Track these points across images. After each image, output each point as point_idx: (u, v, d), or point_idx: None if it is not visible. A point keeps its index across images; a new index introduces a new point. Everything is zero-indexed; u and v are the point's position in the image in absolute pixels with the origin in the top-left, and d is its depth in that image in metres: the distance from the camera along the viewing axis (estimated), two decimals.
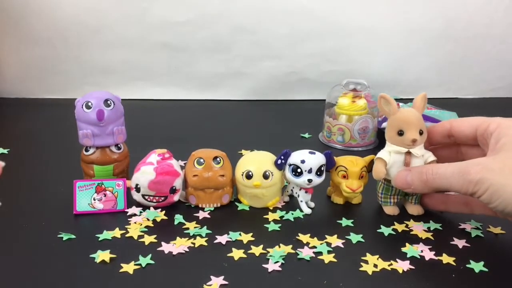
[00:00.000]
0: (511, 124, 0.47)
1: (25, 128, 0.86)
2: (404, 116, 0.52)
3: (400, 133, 0.52)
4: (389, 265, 0.49)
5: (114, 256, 0.49)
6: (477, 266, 0.48)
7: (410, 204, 0.58)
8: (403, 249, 0.51)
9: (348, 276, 0.47)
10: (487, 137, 0.49)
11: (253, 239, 0.53)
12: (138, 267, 0.48)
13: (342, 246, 0.52)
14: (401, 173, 0.52)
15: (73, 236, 0.52)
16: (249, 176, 0.57)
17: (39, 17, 0.95)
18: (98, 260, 0.48)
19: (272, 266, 0.48)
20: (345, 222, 0.56)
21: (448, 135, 0.54)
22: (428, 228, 0.55)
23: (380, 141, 0.82)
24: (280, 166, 0.58)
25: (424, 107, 0.54)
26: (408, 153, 0.53)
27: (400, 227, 0.56)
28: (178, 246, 0.51)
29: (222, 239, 0.53)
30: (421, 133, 0.52)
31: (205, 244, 0.52)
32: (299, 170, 0.56)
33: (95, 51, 0.98)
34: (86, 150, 0.60)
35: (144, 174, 0.56)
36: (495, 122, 0.49)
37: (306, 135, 0.86)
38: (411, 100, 0.62)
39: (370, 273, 0.48)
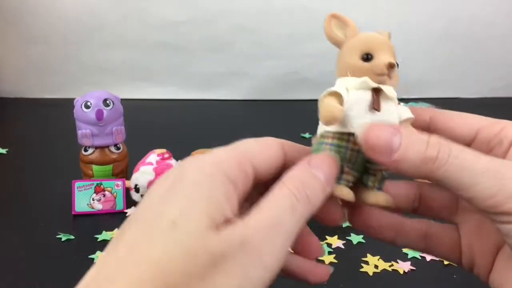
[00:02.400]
0: None
1: (24, 128, 0.86)
2: (369, 36, 0.29)
3: (367, 57, 0.28)
4: (390, 266, 0.48)
5: None
6: None
7: (370, 189, 0.27)
8: (404, 250, 0.51)
9: (348, 277, 0.47)
10: (498, 143, 0.29)
11: None
12: None
13: (342, 246, 0.52)
14: (382, 127, 0.24)
15: (72, 237, 0.52)
16: None
17: (38, 17, 0.95)
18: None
19: None
20: (345, 223, 0.56)
21: (426, 129, 0.30)
22: None
23: None
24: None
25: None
26: (377, 91, 0.27)
27: None
28: None
29: None
30: (397, 64, 0.28)
31: None
32: None
33: (94, 50, 0.98)
34: (85, 150, 0.59)
35: (144, 174, 0.56)
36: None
37: (307, 135, 0.85)
38: (412, 99, 0.62)
39: (370, 274, 0.47)
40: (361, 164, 0.26)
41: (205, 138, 0.81)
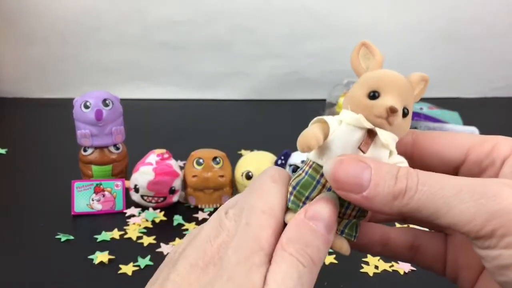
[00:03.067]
0: None
1: (23, 128, 0.86)
2: (388, 74, 0.27)
3: (373, 95, 0.26)
4: (390, 267, 0.48)
5: (113, 257, 0.49)
6: None
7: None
8: None
9: (349, 277, 0.47)
10: (491, 163, 0.27)
11: None
12: (137, 268, 0.47)
13: None
14: (351, 159, 0.23)
15: (72, 237, 0.52)
16: (249, 177, 0.56)
17: (38, 17, 0.95)
18: (96, 261, 0.48)
19: None
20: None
21: (409, 153, 0.27)
22: None
23: None
24: (280, 167, 0.57)
25: (421, 93, 0.28)
26: (371, 133, 0.25)
27: None
28: None
29: None
30: (405, 112, 0.25)
31: None
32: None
33: (94, 50, 0.98)
34: (85, 150, 0.59)
35: (143, 175, 0.56)
36: (505, 144, 0.26)
37: None
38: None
39: (371, 274, 0.47)
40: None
41: (205, 138, 0.81)
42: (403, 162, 0.25)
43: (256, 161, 0.58)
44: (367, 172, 0.22)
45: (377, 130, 0.24)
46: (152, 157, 0.57)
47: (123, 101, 0.60)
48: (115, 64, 0.99)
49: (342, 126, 0.25)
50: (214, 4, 0.96)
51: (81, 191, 0.56)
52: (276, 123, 0.92)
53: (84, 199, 0.56)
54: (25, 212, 0.57)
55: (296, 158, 0.56)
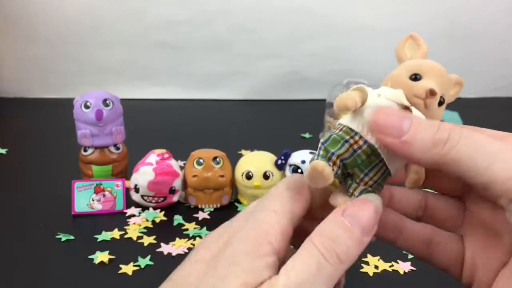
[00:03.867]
0: None
1: (23, 128, 0.86)
2: (429, 61, 0.28)
3: (415, 77, 0.26)
4: (390, 266, 0.48)
5: (113, 257, 0.49)
6: None
7: (349, 197, 0.25)
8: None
9: (349, 277, 0.47)
10: None
11: None
12: (137, 268, 0.47)
13: None
14: (392, 109, 0.24)
15: (72, 237, 0.52)
16: (249, 177, 0.56)
17: (38, 16, 0.95)
18: (96, 261, 0.48)
19: None
20: None
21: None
22: None
23: None
24: (280, 167, 0.57)
25: (456, 94, 0.28)
26: (407, 110, 0.25)
27: None
28: (177, 247, 0.51)
29: None
30: (441, 101, 0.25)
31: None
32: (299, 171, 0.56)
33: (94, 50, 0.98)
34: (85, 150, 0.59)
35: (143, 175, 0.56)
36: None
37: (307, 135, 0.85)
38: None
39: (371, 274, 0.47)
40: (352, 166, 0.25)
41: (205, 138, 0.81)
42: None
43: (256, 161, 0.58)
44: (407, 121, 0.22)
45: (413, 109, 0.24)
46: (152, 157, 0.57)
47: (123, 101, 0.60)
48: (115, 64, 0.99)
49: (380, 99, 0.25)
50: (214, 4, 0.96)
51: (81, 191, 0.56)
52: (276, 123, 0.92)
53: (85, 199, 0.56)
54: (26, 212, 0.57)
55: (296, 158, 0.56)
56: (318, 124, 0.85)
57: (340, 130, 0.25)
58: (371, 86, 0.88)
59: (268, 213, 0.24)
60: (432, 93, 0.24)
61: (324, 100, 0.84)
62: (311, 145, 0.73)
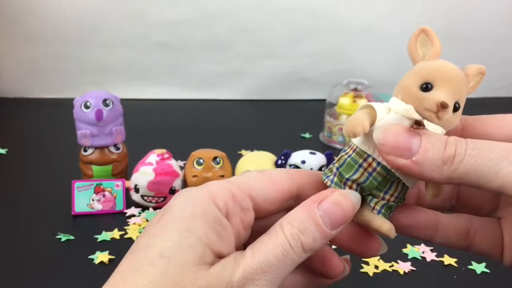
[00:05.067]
0: None
1: (23, 128, 0.86)
2: (444, 66, 0.27)
3: (426, 86, 0.26)
4: (390, 266, 0.48)
5: (113, 257, 0.49)
6: (479, 267, 0.48)
7: (372, 212, 0.26)
8: (404, 250, 0.51)
9: (349, 277, 0.47)
10: None
11: None
12: None
13: None
14: (401, 127, 0.24)
15: (72, 237, 0.52)
16: None
17: (38, 17, 0.95)
18: (96, 261, 0.48)
19: None
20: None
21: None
22: None
23: None
24: (280, 167, 0.57)
25: (476, 85, 0.29)
26: (419, 124, 0.25)
27: None
28: None
29: None
30: (456, 107, 0.25)
31: None
32: None
33: (94, 50, 0.98)
34: (85, 150, 0.59)
35: (143, 175, 0.56)
36: None
37: (307, 135, 0.85)
38: None
39: (371, 274, 0.47)
40: (370, 188, 0.25)
41: (204, 138, 0.81)
42: None
43: (256, 161, 0.58)
44: (417, 139, 0.23)
45: (425, 122, 0.24)
46: (153, 157, 0.57)
47: (123, 101, 0.60)
48: (115, 64, 0.99)
49: (391, 115, 0.25)
50: (214, 4, 0.96)
51: (81, 191, 0.56)
52: (276, 123, 0.92)
53: (85, 199, 0.56)
54: (26, 212, 0.57)
55: (296, 158, 0.56)
56: (318, 124, 0.86)
57: (354, 151, 0.25)
58: (371, 86, 0.89)
59: (219, 181, 0.24)
60: (443, 106, 0.24)
61: (324, 100, 0.84)
62: (311, 145, 0.73)
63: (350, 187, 0.25)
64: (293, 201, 0.25)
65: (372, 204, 0.25)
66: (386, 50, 1.02)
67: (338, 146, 0.80)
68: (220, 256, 0.22)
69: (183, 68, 1.01)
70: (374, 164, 0.24)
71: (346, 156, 0.25)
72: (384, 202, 0.25)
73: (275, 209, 0.25)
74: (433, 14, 1.00)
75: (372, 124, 0.24)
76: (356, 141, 0.25)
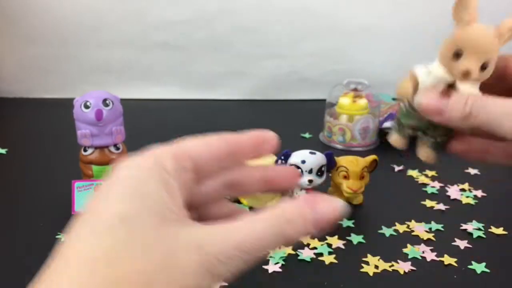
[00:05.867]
0: None
1: (23, 128, 0.86)
2: (472, 33, 0.35)
3: (457, 54, 0.35)
4: (390, 266, 0.48)
5: None
6: (479, 267, 0.48)
7: (424, 145, 0.38)
8: (405, 250, 0.51)
9: (349, 277, 0.47)
10: None
11: None
12: None
13: (343, 247, 0.52)
14: (432, 94, 0.34)
15: None
16: None
17: (38, 16, 0.95)
18: None
19: (272, 267, 0.48)
20: (346, 222, 0.56)
21: (502, 77, 0.36)
22: (430, 229, 0.55)
23: (381, 141, 0.82)
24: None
25: (509, 38, 0.36)
26: (452, 86, 0.35)
27: (401, 228, 0.55)
28: None
29: None
30: (484, 67, 0.34)
31: None
32: (299, 171, 0.56)
33: (94, 50, 0.98)
34: (85, 150, 0.59)
35: None
36: None
37: (307, 135, 0.85)
38: None
39: (371, 274, 0.47)
40: (425, 128, 0.35)
41: None
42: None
43: (256, 161, 0.58)
44: (445, 102, 0.33)
45: (458, 83, 0.33)
46: None
47: (123, 101, 0.60)
48: (115, 64, 0.99)
49: (430, 78, 0.34)
50: (214, 4, 0.96)
51: (81, 191, 0.56)
52: (276, 123, 0.92)
53: (85, 199, 0.56)
54: (26, 212, 0.57)
55: (296, 158, 0.56)
56: (318, 124, 0.86)
57: (408, 104, 0.35)
58: (371, 86, 0.89)
59: (162, 147, 0.25)
60: (466, 74, 0.33)
61: (324, 100, 0.84)
62: (311, 145, 0.73)
63: (407, 128, 0.36)
64: (228, 161, 0.28)
65: (425, 139, 0.36)
66: (386, 50, 1.02)
67: (338, 146, 0.80)
68: (177, 219, 0.22)
69: (183, 68, 1.01)
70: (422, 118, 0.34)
71: (402, 105, 0.36)
72: (432, 140, 0.35)
73: (213, 169, 0.27)
74: (433, 14, 1.00)
75: (415, 86, 0.34)
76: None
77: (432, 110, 0.33)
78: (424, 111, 0.33)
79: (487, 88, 0.35)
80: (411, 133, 0.37)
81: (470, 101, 0.32)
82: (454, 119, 0.33)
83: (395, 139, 0.41)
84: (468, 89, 0.34)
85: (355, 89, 0.81)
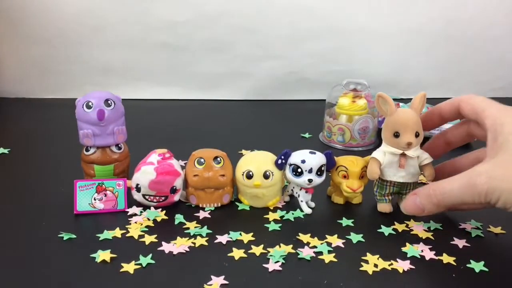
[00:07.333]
0: (504, 120, 0.47)
1: (25, 128, 0.86)
2: (400, 118, 0.52)
3: (396, 135, 0.52)
4: (389, 265, 0.49)
5: (115, 255, 0.49)
6: (478, 266, 0.48)
7: (403, 200, 0.55)
8: (404, 249, 0.51)
9: (348, 276, 0.47)
10: (484, 130, 0.49)
11: (253, 239, 0.53)
12: (139, 266, 0.48)
13: (342, 246, 0.52)
14: (409, 199, 0.51)
15: (74, 236, 0.52)
16: (249, 176, 0.57)
17: (39, 17, 0.95)
18: (98, 260, 0.48)
19: (272, 266, 0.48)
20: (345, 222, 0.57)
21: (456, 113, 0.54)
22: (429, 228, 0.55)
23: (380, 141, 0.82)
24: (280, 166, 0.58)
25: (422, 107, 0.54)
26: (403, 154, 0.53)
27: (400, 227, 0.56)
28: (178, 245, 0.51)
29: (222, 238, 0.53)
30: (417, 135, 0.52)
31: (206, 244, 0.52)
32: (299, 170, 0.56)
33: (95, 50, 0.98)
34: (87, 150, 0.60)
35: (145, 174, 0.56)
36: (490, 118, 0.48)
37: (307, 135, 0.86)
38: (411, 100, 0.62)
39: (370, 273, 0.48)
40: (396, 191, 0.57)
41: (205, 138, 0.82)
42: (427, 157, 0.54)
43: (256, 160, 0.59)
44: (418, 199, 0.50)
45: (406, 152, 0.53)
46: (154, 156, 0.58)
47: (125, 101, 0.61)
48: (117, 64, 1.00)
49: (387, 156, 0.54)
50: (214, 4, 0.96)
51: (83, 191, 0.57)
52: (276, 123, 0.93)
53: (86, 198, 0.57)
54: (28, 211, 0.57)
55: (296, 157, 0.57)
56: (318, 124, 0.86)
57: (378, 180, 0.57)
58: (370, 87, 0.90)
59: None
60: (409, 144, 0.52)
61: (324, 100, 0.84)
62: (311, 144, 0.73)
63: (388, 196, 0.57)
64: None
65: (403, 197, 0.56)
66: (385, 50, 1.03)
67: (338, 146, 0.80)
68: None
69: (184, 68, 1.01)
70: (392, 183, 0.56)
71: (377, 184, 0.57)
72: (405, 196, 0.55)
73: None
74: (432, 14, 1.01)
75: (379, 165, 0.54)
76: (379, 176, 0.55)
77: (415, 212, 0.51)
78: (410, 214, 0.52)
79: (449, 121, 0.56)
80: (391, 196, 0.57)
81: (432, 193, 0.48)
82: (432, 210, 0.49)
83: (383, 207, 0.57)
84: (414, 152, 0.53)
85: (354, 90, 0.81)
